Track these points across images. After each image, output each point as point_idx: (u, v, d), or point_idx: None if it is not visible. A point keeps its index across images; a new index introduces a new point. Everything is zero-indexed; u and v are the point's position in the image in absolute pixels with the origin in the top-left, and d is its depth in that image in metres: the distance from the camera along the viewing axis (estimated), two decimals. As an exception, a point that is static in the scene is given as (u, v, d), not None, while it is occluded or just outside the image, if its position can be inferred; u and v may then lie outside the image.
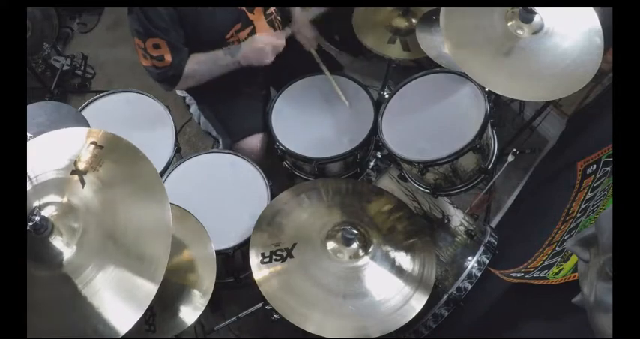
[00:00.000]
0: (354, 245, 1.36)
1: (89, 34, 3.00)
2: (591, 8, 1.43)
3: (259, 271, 1.32)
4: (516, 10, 1.42)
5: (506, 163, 1.61)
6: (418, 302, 1.29)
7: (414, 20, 1.86)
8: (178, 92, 1.98)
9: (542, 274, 1.21)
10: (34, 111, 1.51)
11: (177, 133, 1.76)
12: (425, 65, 2.02)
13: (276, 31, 1.75)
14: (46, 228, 0.97)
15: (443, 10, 1.45)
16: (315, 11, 1.76)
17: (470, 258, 1.56)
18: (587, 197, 1.33)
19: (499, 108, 2.32)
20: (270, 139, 1.74)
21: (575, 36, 1.40)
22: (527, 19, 1.41)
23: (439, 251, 1.56)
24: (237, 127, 1.83)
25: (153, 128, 1.75)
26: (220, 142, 1.92)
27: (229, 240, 1.53)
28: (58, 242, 0.99)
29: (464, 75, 1.55)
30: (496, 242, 1.63)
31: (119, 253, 0.99)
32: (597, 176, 1.34)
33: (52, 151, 1.09)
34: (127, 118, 1.76)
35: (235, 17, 1.66)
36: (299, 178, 1.82)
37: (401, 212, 1.50)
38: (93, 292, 0.95)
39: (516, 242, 1.65)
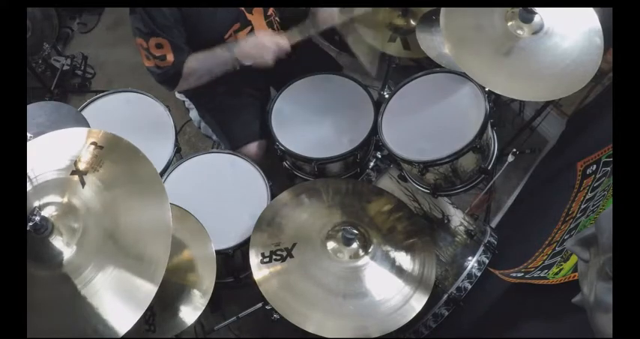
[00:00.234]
0: (354, 245, 1.36)
1: (89, 34, 3.00)
2: (591, 8, 1.43)
3: (259, 271, 1.32)
4: (516, 10, 1.42)
5: (506, 163, 1.61)
6: (418, 302, 1.29)
7: (412, 21, 1.86)
8: (178, 96, 1.98)
9: (542, 274, 1.21)
10: (34, 111, 1.51)
11: (177, 133, 1.76)
12: (425, 65, 2.02)
13: (283, 34, 1.72)
14: (46, 228, 0.97)
15: (443, 10, 1.45)
16: (297, 35, 1.68)
17: (470, 258, 1.56)
18: (587, 197, 1.33)
19: (499, 108, 2.32)
20: (270, 139, 1.74)
21: (575, 36, 1.40)
22: (527, 19, 1.41)
23: (439, 251, 1.56)
24: (237, 134, 1.83)
25: (153, 128, 1.75)
26: (221, 146, 1.92)
27: (229, 240, 1.53)
28: (58, 242, 0.99)
29: (464, 75, 1.55)
30: (496, 242, 1.63)
31: (119, 253, 0.99)
32: (597, 176, 1.34)
33: (52, 151, 1.09)
34: (127, 118, 1.76)
35: (234, 17, 1.66)
36: (299, 178, 1.82)
37: (401, 212, 1.50)
38: (93, 292, 0.95)
39: (516, 242, 1.65)
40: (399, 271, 1.35)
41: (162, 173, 1.66)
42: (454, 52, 1.41)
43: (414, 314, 1.27)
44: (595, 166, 1.38)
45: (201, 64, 1.66)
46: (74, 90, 2.72)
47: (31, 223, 0.95)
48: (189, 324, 1.31)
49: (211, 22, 1.62)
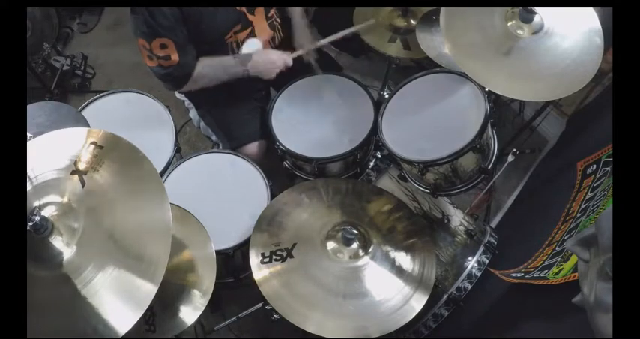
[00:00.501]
0: (354, 245, 1.36)
1: (89, 34, 3.00)
2: (591, 8, 1.43)
3: (259, 271, 1.32)
4: (516, 10, 1.42)
5: (506, 163, 1.61)
6: (418, 302, 1.29)
7: (413, 21, 1.86)
8: (178, 96, 1.98)
9: (542, 274, 1.21)
10: (34, 111, 1.51)
11: (177, 133, 1.76)
12: (425, 65, 2.02)
13: (287, 52, 1.75)
14: (46, 228, 0.97)
15: (443, 10, 1.45)
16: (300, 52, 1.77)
17: (470, 258, 1.56)
18: (587, 197, 1.33)
19: (499, 108, 2.32)
20: (270, 139, 1.74)
21: (575, 36, 1.40)
22: (527, 19, 1.41)
23: (439, 251, 1.56)
24: (237, 135, 1.83)
25: (153, 128, 1.75)
26: (220, 147, 1.92)
27: (229, 240, 1.53)
28: (58, 242, 0.99)
29: (464, 75, 1.55)
30: (496, 242, 1.63)
31: (119, 253, 0.99)
32: (597, 176, 1.34)
33: (52, 151, 1.09)
34: (127, 118, 1.76)
35: (235, 18, 1.66)
36: (299, 178, 1.82)
37: (401, 212, 1.50)
38: (93, 292, 0.95)
39: (516, 242, 1.65)
40: (399, 271, 1.35)
41: (162, 173, 1.66)
42: (454, 52, 1.41)
43: (414, 314, 1.27)
44: (595, 166, 1.38)
45: (212, 70, 1.68)
46: (74, 90, 2.72)
47: (31, 223, 0.95)
48: (189, 324, 1.30)
49: (212, 23, 1.62)
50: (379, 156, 1.81)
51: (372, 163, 1.83)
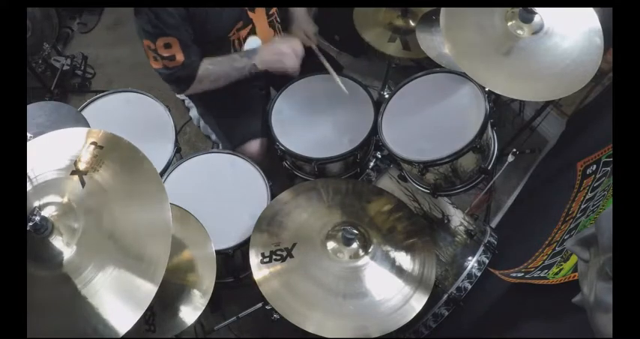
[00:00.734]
0: (354, 245, 1.36)
1: (89, 34, 3.00)
2: (591, 8, 1.43)
3: (259, 271, 1.32)
4: (516, 10, 1.42)
5: (506, 163, 1.61)
6: (418, 302, 1.29)
7: (412, 21, 1.86)
8: (178, 95, 1.98)
9: (542, 274, 1.21)
10: (34, 111, 1.51)
11: (177, 133, 1.76)
12: (425, 65, 2.02)
13: (294, 38, 1.73)
14: (46, 228, 0.97)
15: (443, 10, 1.45)
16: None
17: (470, 258, 1.56)
18: (587, 197, 1.33)
19: (499, 108, 2.32)
20: (270, 139, 1.74)
21: (575, 36, 1.40)
22: (527, 19, 1.41)
23: (439, 251, 1.56)
24: (237, 133, 1.82)
25: (153, 128, 1.75)
26: (220, 147, 1.92)
27: (229, 240, 1.53)
28: (58, 242, 0.99)
29: (464, 75, 1.55)
30: (496, 242, 1.63)
31: (119, 253, 0.99)
32: (597, 176, 1.34)
33: (52, 151, 1.09)
34: (127, 118, 1.76)
35: (237, 15, 1.66)
36: (299, 178, 1.82)
37: (401, 212, 1.50)
38: (93, 292, 0.95)
39: (516, 242, 1.65)
40: (399, 271, 1.35)
41: (162, 173, 1.66)
42: (454, 52, 1.41)
43: (414, 314, 1.27)
44: (595, 166, 1.38)
45: (217, 68, 1.65)
46: (74, 90, 2.73)
47: (31, 223, 0.95)
48: (189, 324, 1.30)
49: (217, 21, 1.61)
50: (379, 156, 1.81)
51: (372, 163, 1.83)
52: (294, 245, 1.37)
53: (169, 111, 1.78)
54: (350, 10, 1.91)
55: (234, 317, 1.62)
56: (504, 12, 1.44)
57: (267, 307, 1.32)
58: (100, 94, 1.83)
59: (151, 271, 0.96)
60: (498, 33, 1.43)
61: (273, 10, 1.77)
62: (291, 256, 1.35)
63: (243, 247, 1.53)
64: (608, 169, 1.30)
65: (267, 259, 1.34)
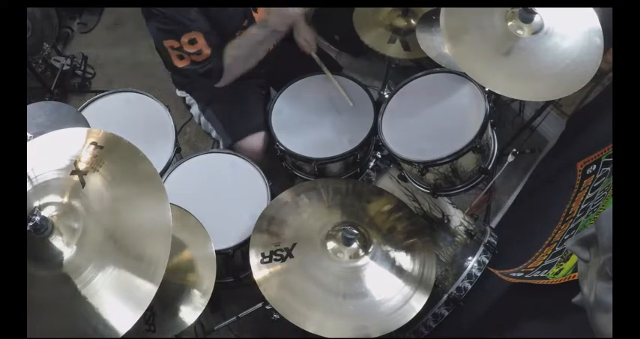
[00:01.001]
0: (354, 245, 1.36)
1: (89, 34, 3.00)
2: (591, 8, 1.43)
3: (259, 271, 1.32)
4: (516, 10, 1.42)
5: (506, 163, 1.61)
6: (418, 302, 1.29)
7: (413, 21, 1.86)
8: (178, 93, 1.98)
9: (542, 274, 1.21)
10: (34, 111, 1.51)
11: (177, 133, 1.76)
12: (425, 65, 2.02)
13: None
14: (46, 228, 0.97)
15: (443, 10, 1.45)
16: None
17: (470, 258, 1.56)
18: (587, 197, 1.33)
19: (499, 108, 2.32)
20: (270, 139, 1.74)
21: (575, 36, 1.40)
22: (527, 19, 1.41)
23: (439, 251, 1.56)
24: (239, 126, 1.82)
25: (153, 128, 1.75)
26: (221, 144, 1.92)
27: (229, 240, 1.53)
28: (58, 242, 0.99)
29: (464, 75, 1.55)
30: (496, 242, 1.63)
31: (119, 253, 0.99)
32: (597, 176, 1.34)
33: (52, 151, 1.09)
34: (127, 118, 1.76)
35: (243, 14, 1.67)
36: (299, 178, 1.82)
37: (401, 212, 1.50)
38: (93, 292, 0.95)
39: (516, 242, 1.65)
40: (399, 271, 1.35)
41: (162, 173, 1.66)
42: (454, 52, 1.41)
43: (414, 314, 1.27)
44: (595, 166, 1.38)
45: (243, 50, 1.63)
46: (74, 90, 2.72)
47: (31, 223, 0.95)
48: (189, 324, 1.30)
49: (226, 19, 1.61)
50: (379, 156, 1.81)
51: (372, 163, 1.83)
52: (294, 245, 1.37)
53: (169, 111, 1.78)
54: (350, 10, 1.91)
55: (234, 317, 1.62)
56: (504, 12, 1.44)
57: (267, 307, 1.32)
58: (100, 94, 1.83)
59: (151, 271, 0.96)
60: (498, 33, 1.43)
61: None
62: (291, 256, 1.35)
63: (243, 247, 1.53)
64: (608, 169, 1.30)
65: (267, 259, 1.34)
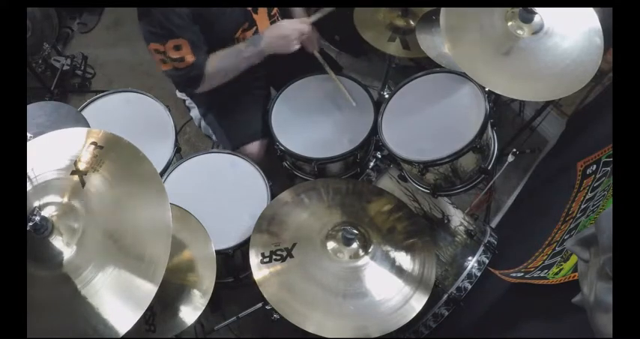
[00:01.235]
0: (354, 245, 1.36)
1: (89, 34, 3.00)
2: (591, 8, 1.43)
3: (259, 271, 1.32)
4: (516, 10, 1.42)
5: (506, 163, 1.61)
6: (418, 302, 1.29)
7: (412, 21, 1.86)
8: (179, 95, 1.98)
9: (542, 274, 1.21)
10: (34, 111, 1.51)
11: (177, 133, 1.76)
12: (425, 65, 2.02)
13: (301, 18, 1.71)
14: (46, 228, 0.97)
15: (443, 10, 1.45)
16: (318, 15, 1.74)
17: (470, 258, 1.56)
18: (587, 197, 1.33)
19: (499, 108, 2.32)
20: (271, 139, 1.74)
21: (575, 36, 1.40)
22: (527, 19, 1.41)
23: (439, 251, 1.56)
24: (238, 134, 1.82)
25: (153, 128, 1.75)
26: (220, 147, 1.92)
27: (229, 240, 1.53)
28: (58, 242, 0.99)
29: (464, 75, 1.55)
30: (496, 242, 1.63)
31: (119, 253, 0.99)
32: (597, 176, 1.34)
33: (52, 151, 1.09)
34: (127, 118, 1.76)
35: (243, 16, 1.66)
36: (299, 178, 1.82)
37: (401, 212, 1.50)
38: (93, 292, 0.95)
39: (516, 242, 1.65)
40: (399, 271, 1.35)
41: (162, 173, 1.66)
42: (454, 52, 1.41)
43: (414, 314, 1.27)
44: (595, 166, 1.38)
45: (225, 62, 1.63)
46: (74, 90, 2.72)
47: (31, 223, 0.95)
48: (189, 324, 1.30)
49: (223, 21, 1.61)
50: (379, 156, 1.81)
51: (372, 163, 1.83)
52: (294, 245, 1.37)
53: (169, 111, 1.78)
54: (350, 10, 1.91)
55: (234, 317, 1.62)
56: (504, 12, 1.44)
57: (267, 307, 1.32)
58: (100, 94, 1.83)
59: (151, 271, 0.96)
60: (498, 33, 1.43)
61: (275, 11, 1.77)
62: (291, 256, 1.35)
63: (243, 247, 1.53)
64: (608, 169, 1.30)
65: (267, 259, 1.34)
